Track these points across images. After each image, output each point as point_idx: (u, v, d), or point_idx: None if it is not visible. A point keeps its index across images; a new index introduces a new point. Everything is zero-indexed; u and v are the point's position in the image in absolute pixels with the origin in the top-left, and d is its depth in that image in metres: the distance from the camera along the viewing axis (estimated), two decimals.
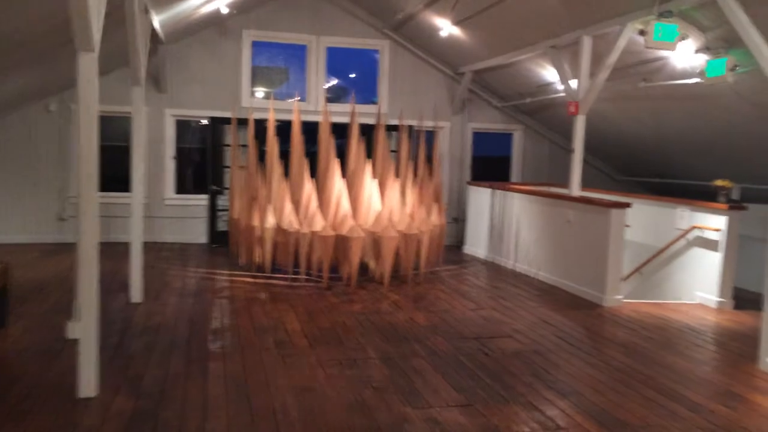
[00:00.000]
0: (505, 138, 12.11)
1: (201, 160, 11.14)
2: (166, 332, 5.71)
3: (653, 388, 4.70)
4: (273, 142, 8.59)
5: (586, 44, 7.77)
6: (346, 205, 7.80)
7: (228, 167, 10.25)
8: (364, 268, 8.10)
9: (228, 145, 10.31)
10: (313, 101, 10.93)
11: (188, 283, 7.74)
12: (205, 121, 10.86)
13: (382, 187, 8.19)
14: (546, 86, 10.00)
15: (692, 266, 7.66)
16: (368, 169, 8.14)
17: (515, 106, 11.49)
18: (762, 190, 7.93)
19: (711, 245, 7.37)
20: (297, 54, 11.46)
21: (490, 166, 12.46)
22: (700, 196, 8.05)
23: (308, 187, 7.94)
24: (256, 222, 8.11)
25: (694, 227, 7.57)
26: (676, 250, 7.87)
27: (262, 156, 8.81)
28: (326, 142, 8.53)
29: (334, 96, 11.72)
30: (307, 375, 4.75)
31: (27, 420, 3.82)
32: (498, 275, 8.88)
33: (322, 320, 6.26)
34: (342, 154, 8.54)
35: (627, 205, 7.26)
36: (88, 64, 4.10)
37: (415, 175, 8.61)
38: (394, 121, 10.25)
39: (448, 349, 5.48)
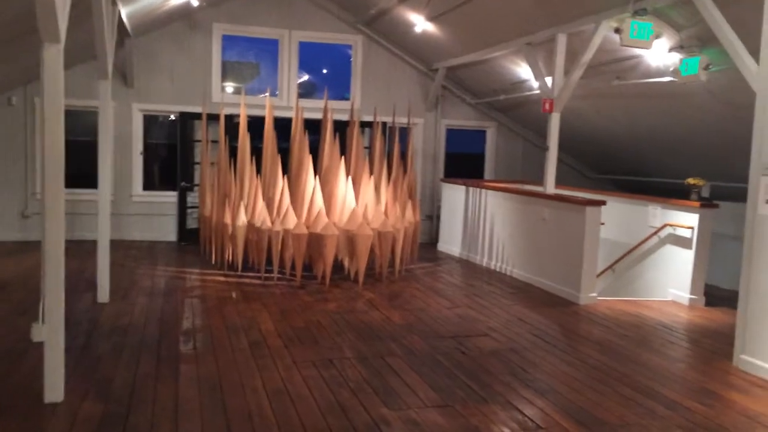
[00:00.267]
0: (479, 135, 12.10)
1: (169, 156, 10.91)
2: (135, 333, 5.54)
3: (630, 386, 4.69)
4: (245, 139, 8.43)
5: (561, 42, 7.76)
6: (320, 202, 7.69)
7: (198, 163, 10.05)
8: (338, 266, 8.00)
9: (198, 141, 10.11)
10: (285, 97, 10.78)
11: (157, 282, 7.55)
12: (173, 117, 10.64)
13: (356, 184, 8.10)
14: (520, 83, 9.99)
15: (665, 264, 7.72)
16: (342, 166, 8.04)
17: (489, 103, 11.47)
18: (732, 188, 8.00)
19: (683, 243, 7.43)
20: (268, 49, 11.29)
21: (463, 163, 12.44)
22: (673, 193, 8.12)
23: (281, 184, 7.81)
24: (227, 219, 7.95)
25: (667, 225, 7.62)
26: (648, 247, 7.92)
27: (233, 152, 8.65)
28: (299, 138, 8.40)
29: (305, 92, 11.58)
30: (283, 376, 4.65)
31: None
32: (472, 273, 8.85)
33: (297, 320, 6.15)
34: (314, 151, 8.41)
35: (602, 203, 7.27)
36: (53, 56, 3.93)
37: (390, 172, 8.53)
38: (368, 118, 10.16)
39: (425, 348, 5.42)
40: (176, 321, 5.98)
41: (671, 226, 7.56)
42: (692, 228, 7.30)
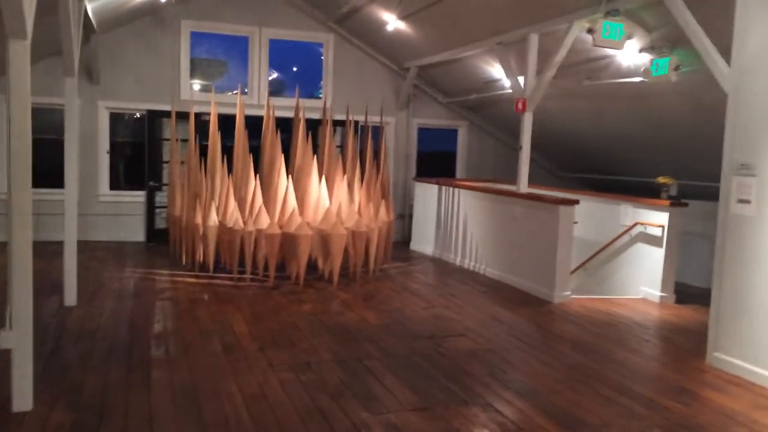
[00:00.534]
0: (450, 134, 12.11)
1: (135, 155, 10.67)
2: (105, 338, 5.39)
3: (608, 385, 4.71)
4: (215, 137, 8.28)
5: (533, 42, 7.79)
6: (293, 202, 7.59)
7: (167, 162, 9.85)
8: (311, 266, 7.91)
9: (166, 140, 9.91)
10: (256, 95, 10.63)
11: (126, 284, 7.38)
12: (138, 114, 10.42)
13: (329, 183, 8.02)
14: (492, 83, 10.01)
15: (636, 262, 7.80)
16: (315, 165, 7.95)
17: (460, 102, 11.48)
18: (700, 187, 8.13)
19: (654, 241, 7.52)
20: (236, 46, 11.14)
21: (435, 162, 12.44)
22: (642, 192, 8.22)
23: (253, 183, 7.69)
24: (198, 220, 7.80)
25: (638, 223, 7.70)
26: (619, 245, 7.99)
27: (202, 151, 8.49)
28: (271, 137, 8.28)
29: (274, 90, 11.44)
30: (259, 380, 4.55)
31: None
32: (446, 272, 8.84)
33: (271, 321, 6.05)
34: (285, 150, 8.29)
35: (575, 201, 7.31)
36: (19, 53, 3.79)
37: (362, 171, 8.46)
38: (339, 117, 10.07)
39: (402, 350, 5.37)
40: (147, 324, 5.84)
41: (642, 224, 7.64)
42: (663, 226, 7.38)
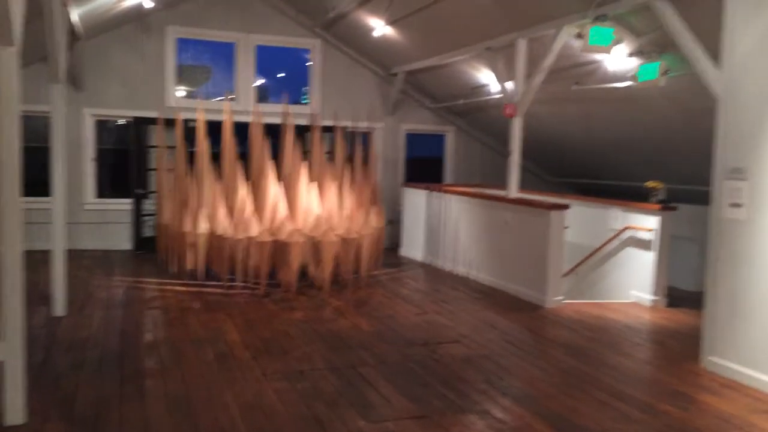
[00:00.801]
0: (438, 139, 12.11)
1: (119, 162, 10.55)
2: (96, 348, 5.31)
3: (604, 390, 4.71)
4: (203, 144, 8.21)
5: (522, 47, 7.80)
6: (283, 209, 7.54)
7: (153, 170, 9.76)
8: (302, 273, 7.85)
9: (153, 147, 9.82)
10: (243, 101, 10.57)
11: (115, 293, 7.29)
12: (122, 121, 10.31)
13: (319, 190, 7.97)
14: (479, 88, 10.02)
15: (626, 266, 7.83)
16: (305, 171, 7.90)
17: (448, 108, 11.49)
18: (687, 191, 8.19)
19: (644, 245, 7.55)
20: (221, 52, 11.07)
21: (422, 167, 12.43)
22: (630, 196, 8.24)
23: (243, 190, 7.63)
24: (187, 227, 7.72)
25: (628, 228, 7.73)
26: (609, 250, 8.02)
27: (189, 158, 8.41)
28: (259, 143, 8.23)
29: (259, 96, 11.37)
30: (254, 390, 4.50)
31: None
32: (437, 278, 8.82)
33: (263, 330, 5.99)
34: (273, 156, 8.21)
35: (566, 206, 7.33)
36: (8, 60, 3.75)
37: (352, 177, 8.43)
38: (326, 122, 10.03)
39: (397, 357, 5.34)
40: (138, 334, 5.76)
41: (632, 228, 7.67)
42: (653, 230, 7.41)
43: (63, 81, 6.13)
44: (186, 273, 7.95)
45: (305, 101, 11.21)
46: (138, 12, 9.22)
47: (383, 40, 9.63)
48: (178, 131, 8.39)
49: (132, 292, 7.36)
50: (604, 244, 7.98)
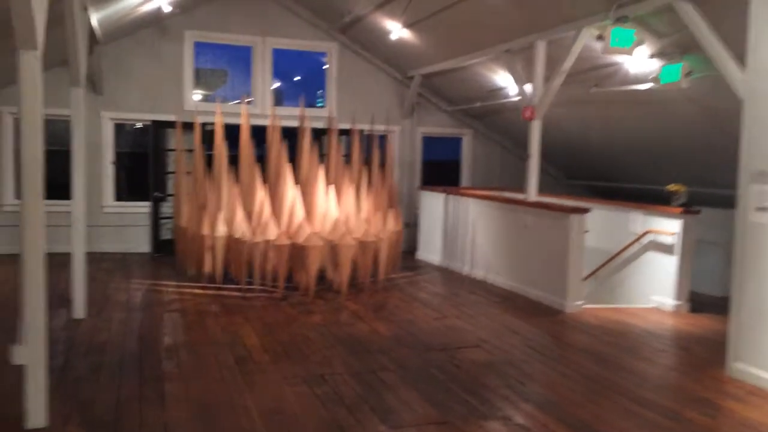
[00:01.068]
0: (455, 142, 12.06)
1: (136, 166, 10.59)
2: (115, 351, 5.31)
3: (628, 396, 4.63)
4: (221, 147, 8.22)
5: (541, 49, 7.74)
6: (300, 212, 7.53)
7: (171, 173, 9.78)
8: (320, 276, 7.83)
9: (171, 150, 9.85)
10: (260, 104, 10.58)
11: (133, 295, 7.30)
12: (139, 125, 10.35)
13: (337, 193, 7.95)
14: (497, 91, 9.97)
15: (646, 270, 7.73)
16: (322, 174, 7.88)
17: (464, 111, 11.44)
18: (710, 194, 8.08)
19: (665, 249, 7.45)
20: (239, 55, 11.10)
21: (439, 170, 12.39)
22: (650, 199, 8.14)
23: (260, 193, 7.62)
24: (205, 230, 7.72)
25: (649, 231, 7.63)
26: (630, 254, 7.92)
27: (207, 161, 8.43)
28: (277, 146, 8.23)
29: (274, 99, 11.39)
30: (274, 394, 4.48)
31: None
32: (455, 282, 8.77)
33: (282, 333, 5.97)
34: (290, 159, 8.21)
35: (586, 210, 7.25)
36: (31, 64, 3.74)
37: (369, 180, 8.40)
38: (343, 125, 10.01)
39: (417, 362, 5.30)
40: (157, 337, 5.76)
41: (653, 232, 7.58)
42: (675, 234, 7.31)
43: (83, 85, 6.16)
44: (204, 276, 7.95)
45: (320, 104, 11.20)
46: (156, 16, 9.26)
47: (400, 43, 9.59)
48: (196, 134, 8.41)
49: (150, 294, 7.37)
50: (625, 248, 7.89)
